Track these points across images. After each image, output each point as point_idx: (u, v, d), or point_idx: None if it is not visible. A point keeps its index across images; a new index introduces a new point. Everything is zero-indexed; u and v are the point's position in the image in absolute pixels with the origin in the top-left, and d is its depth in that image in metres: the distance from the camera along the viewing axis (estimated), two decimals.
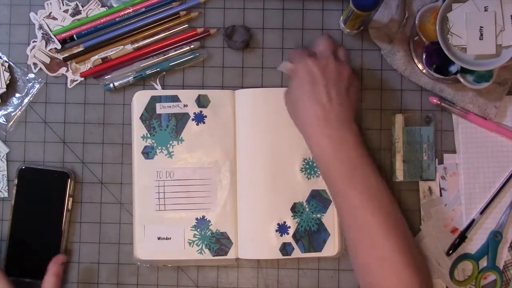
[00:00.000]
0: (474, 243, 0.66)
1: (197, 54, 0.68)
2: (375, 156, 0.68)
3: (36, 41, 0.70)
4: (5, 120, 0.70)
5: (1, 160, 0.69)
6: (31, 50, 0.70)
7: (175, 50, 0.69)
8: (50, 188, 0.67)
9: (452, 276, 0.65)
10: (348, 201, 0.57)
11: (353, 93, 0.60)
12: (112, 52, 0.69)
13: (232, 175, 0.67)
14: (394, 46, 0.66)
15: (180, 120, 0.68)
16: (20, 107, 0.70)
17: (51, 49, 0.69)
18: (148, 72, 0.68)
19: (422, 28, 0.65)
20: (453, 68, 0.64)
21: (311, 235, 0.66)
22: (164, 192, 0.67)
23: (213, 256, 0.66)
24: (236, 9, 0.70)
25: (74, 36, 0.69)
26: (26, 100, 0.70)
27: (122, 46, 0.69)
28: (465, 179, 0.67)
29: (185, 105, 0.68)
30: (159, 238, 0.66)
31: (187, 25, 0.69)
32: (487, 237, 0.66)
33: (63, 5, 0.70)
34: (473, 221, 0.66)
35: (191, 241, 0.67)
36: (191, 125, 0.67)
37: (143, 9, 0.69)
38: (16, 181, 0.67)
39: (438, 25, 0.62)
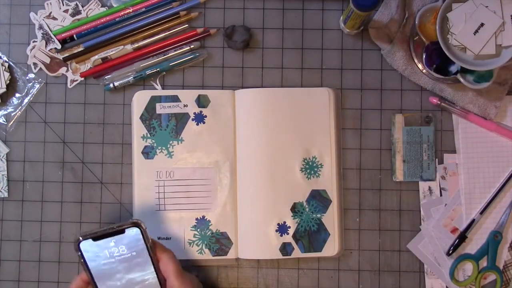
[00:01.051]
0: (474, 243, 0.66)
1: (197, 54, 0.68)
2: (375, 156, 0.68)
3: (36, 41, 0.70)
4: (5, 120, 0.70)
5: (1, 160, 0.69)
6: (31, 50, 0.70)
7: (175, 50, 0.69)
8: None
9: (452, 276, 0.65)
10: None
11: None
12: (112, 52, 0.69)
13: (232, 175, 0.67)
14: (394, 46, 0.66)
15: (180, 120, 0.68)
16: (20, 107, 0.70)
17: (51, 49, 0.69)
18: (148, 72, 0.68)
19: (422, 28, 0.65)
20: (453, 68, 0.64)
21: (311, 235, 0.66)
22: (164, 192, 0.67)
23: (213, 256, 0.66)
24: (236, 9, 0.70)
25: (74, 36, 0.69)
26: (26, 100, 0.70)
27: (122, 46, 0.69)
28: (465, 179, 0.67)
29: (185, 105, 0.68)
30: (159, 238, 0.66)
31: (187, 25, 0.69)
32: (487, 237, 0.66)
33: (63, 5, 0.70)
34: (473, 221, 0.66)
35: (191, 241, 0.67)
36: (191, 125, 0.68)
37: (143, 9, 0.69)
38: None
39: (438, 25, 0.62)
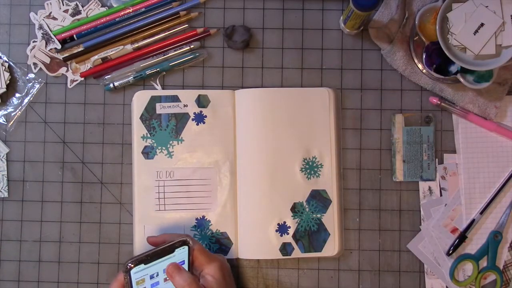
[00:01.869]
0: (474, 243, 0.66)
1: (197, 54, 0.68)
2: (375, 156, 0.68)
3: (36, 41, 0.70)
4: (5, 120, 0.70)
5: (1, 160, 0.69)
6: (31, 50, 0.70)
7: (175, 50, 0.69)
8: None
9: (452, 276, 0.65)
10: None
11: None
12: (112, 52, 0.69)
13: (232, 175, 0.67)
14: (394, 46, 0.66)
15: (180, 120, 0.68)
16: (20, 107, 0.70)
17: (51, 49, 0.69)
18: (148, 72, 0.68)
19: (422, 28, 0.65)
20: (453, 68, 0.64)
21: (311, 235, 0.66)
22: (164, 192, 0.67)
23: None
24: (236, 9, 0.70)
25: (74, 36, 0.69)
26: (26, 100, 0.70)
27: (122, 46, 0.69)
28: (465, 179, 0.67)
29: (185, 105, 0.68)
30: None
31: (187, 25, 0.69)
32: (487, 237, 0.66)
33: (63, 5, 0.70)
34: (473, 221, 0.66)
35: None
36: (191, 125, 0.68)
37: (143, 9, 0.69)
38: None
39: (438, 25, 0.62)
